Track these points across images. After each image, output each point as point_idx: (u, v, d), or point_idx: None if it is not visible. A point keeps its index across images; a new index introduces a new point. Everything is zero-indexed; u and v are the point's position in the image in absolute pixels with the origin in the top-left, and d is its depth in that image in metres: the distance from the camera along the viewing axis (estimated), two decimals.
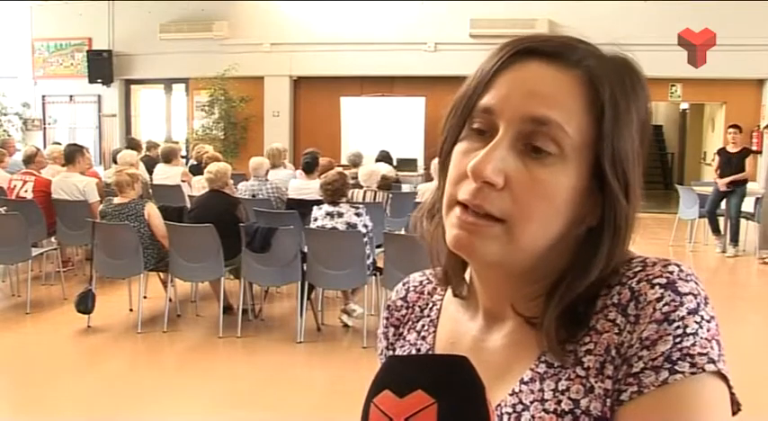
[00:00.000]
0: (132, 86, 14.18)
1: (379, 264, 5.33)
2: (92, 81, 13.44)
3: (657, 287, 0.64)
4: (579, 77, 0.67)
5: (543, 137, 0.66)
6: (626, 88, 0.69)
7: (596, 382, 0.66)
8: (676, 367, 0.61)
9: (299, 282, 5.18)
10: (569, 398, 0.67)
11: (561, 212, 0.67)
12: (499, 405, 0.71)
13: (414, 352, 0.83)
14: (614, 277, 0.69)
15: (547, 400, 0.68)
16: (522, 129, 0.66)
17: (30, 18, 13.94)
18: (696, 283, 0.65)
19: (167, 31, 12.94)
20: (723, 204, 8.46)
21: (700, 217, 8.70)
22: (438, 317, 0.83)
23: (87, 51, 13.52)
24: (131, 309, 5.73)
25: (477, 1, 11.55)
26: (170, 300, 5.53)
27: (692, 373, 0.61)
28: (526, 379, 0.71)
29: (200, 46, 12.77)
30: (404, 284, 0.89)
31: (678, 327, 0.62)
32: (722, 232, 8.53)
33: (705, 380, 0.61)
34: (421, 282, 0.88)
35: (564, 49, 0.69)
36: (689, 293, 0.64)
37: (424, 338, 0.83)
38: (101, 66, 13.30)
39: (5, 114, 13.85)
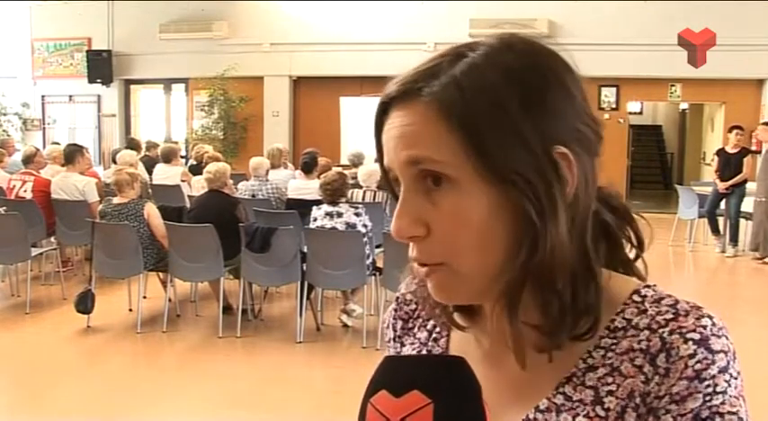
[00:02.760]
0: (132, 86, 14.18)
1: (379, 264, 5.33)
2: (91, 81, 13.45)
3: (691, 343, 0.63)
4: (428, 104, 0.66)
5: (427, 172, 0.66)
6: (495, 92, 0.65)
7: None
8: None
9: (299, 282, 5.18)
10: None
11: (491, 231, 0.66)
12: None
13: (424, 351, 0.83)
14: (642, 317, 0.67)
15: None
16: (409, 173, 0.67)
17: (29, 18, 13.94)
18: (726, 338, 0.65)
19: (167, 31, 12.94)
20: (723, 204, 8.47)
21: (699, 217, 8.70)
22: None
23: (87, 51, 13.52)
24: (131, 309, 5.73)
25: (476, 1, 11.56)
26: (169, 300, 5.53)
27: None
28: (542, 407, 0.69)
29: (199, 46, 12.77)
30: (413, 278, 0.87)
31: (709, 386, 0.62)
32: (721, 232, 8.54)
33: None
34: None
35: (410, 84, 0.67)
36: (720, 351, 0.63)
37: (436, 341, 0.82)
38: (100, 66, 13.30)
39: (5, 114, 13.84)
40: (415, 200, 0.67)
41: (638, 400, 0.65)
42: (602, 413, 0.66)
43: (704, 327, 0.64)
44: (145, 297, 5.57)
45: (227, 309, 5.49)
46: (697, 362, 0.63)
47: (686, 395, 0.62)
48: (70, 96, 14.18)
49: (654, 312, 0.67)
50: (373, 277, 5.26)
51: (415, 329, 0.85)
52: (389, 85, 0.70)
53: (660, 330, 0.65)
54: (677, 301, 0.67)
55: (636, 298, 0.69)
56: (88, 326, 5.36)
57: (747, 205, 8.38)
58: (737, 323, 5.57)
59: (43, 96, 14.26)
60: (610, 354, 0.68)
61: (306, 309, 5.24)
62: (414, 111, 0.67)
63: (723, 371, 0.63)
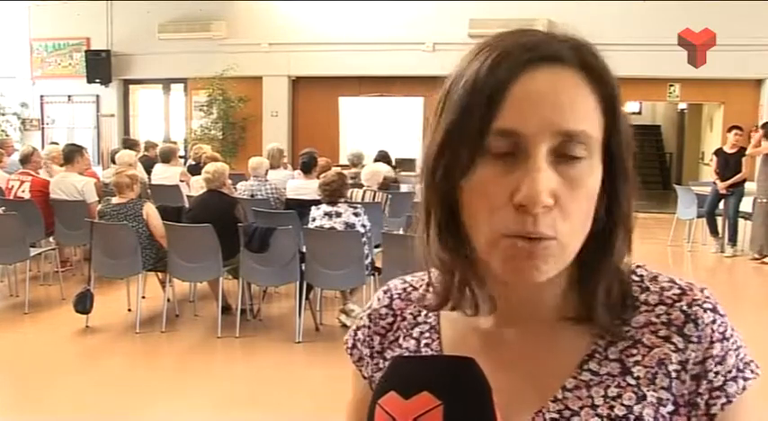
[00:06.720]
0: (131, 86, 14.17)
1: (378, 264, 5.33)
2: (90, 81, 13.43)
3: (709, 311, 0.71)
4: (586, 78, 0.67)
5: (574, 146, 0.65)
6: (611, 74, 0.71)
7: (648, 391, 0.69)
8: (746, 374, 0.71)
9: (298, 282, 5.18)
10: (622, 404, 0.69)
11: (592, 209, 0.68)
12: (540, 411, 0.71)
13: None
14: (648, 294, 0.73)
15: (598, 406, 0.70)
16: (554, 143, 0.65)
17: (28, 18, 13.92)
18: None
19: (166, 30, 12.93)
20: (722, 204, 8.46)
21: (698, 217, 8.69)
22: (439, 323, 0.80)
23: (85, 51, 13.51)
24: (130, 309, 5.72)
25: (475, 1, 11.56)
26: (168, 300, 5.52)
27: (754, 377, 0.72)
28: (569, 386, 0.71)
29: (198, 46, 12.77)
30: (385, 292, 0.86)
31: (734, 342, 0.71)
32: (720, 233, 8.53)
33: (757, 379, 0.72)
34: (405, 289, 0.85)
35: (565, 51, 0.68)
36: (724, 314, 0.72)
37: (427, 345, 0.80)
38: (99, 66, 13.29)
39: (4, 114, 13.84)
40: (548, 170, 0.65)
41: (671, 367, 0.70)
42: (632, 382, 0.70)
43: (708, 298, 0.73)
44: (144, 297, 5.56)
45: (226, 309, 5.48)
46: (719, 325, 0.71)
47: (724, 354, 0.70)
48: (69, 96, 14.16)
49: (657, 289, 0.73)
50: (372, 277, 5.26)
51: (400, 340, 0.82)
52: (526, 45, 0.67)
53: (677, 304, 0.72)
54: (672, 279, 0.74)
55: (635, 277, 0.75)
56: (87, 327, 5.36)
57: (746, 205, 8.38)
58: (737, 322, 5.56)
59: (42, 96, 14.24)
60: (627, 328, 0.72)
61: (305, 309, 5.24)
62: (575, 80, 0.67)
63: (733, 328, 0.72)
